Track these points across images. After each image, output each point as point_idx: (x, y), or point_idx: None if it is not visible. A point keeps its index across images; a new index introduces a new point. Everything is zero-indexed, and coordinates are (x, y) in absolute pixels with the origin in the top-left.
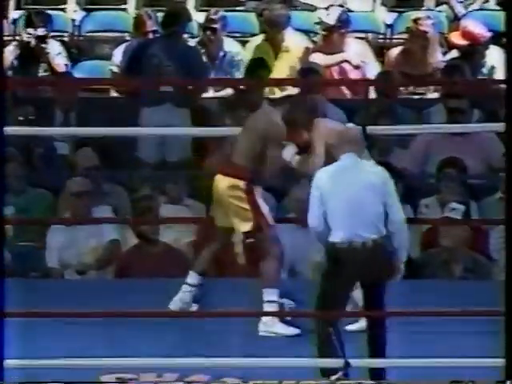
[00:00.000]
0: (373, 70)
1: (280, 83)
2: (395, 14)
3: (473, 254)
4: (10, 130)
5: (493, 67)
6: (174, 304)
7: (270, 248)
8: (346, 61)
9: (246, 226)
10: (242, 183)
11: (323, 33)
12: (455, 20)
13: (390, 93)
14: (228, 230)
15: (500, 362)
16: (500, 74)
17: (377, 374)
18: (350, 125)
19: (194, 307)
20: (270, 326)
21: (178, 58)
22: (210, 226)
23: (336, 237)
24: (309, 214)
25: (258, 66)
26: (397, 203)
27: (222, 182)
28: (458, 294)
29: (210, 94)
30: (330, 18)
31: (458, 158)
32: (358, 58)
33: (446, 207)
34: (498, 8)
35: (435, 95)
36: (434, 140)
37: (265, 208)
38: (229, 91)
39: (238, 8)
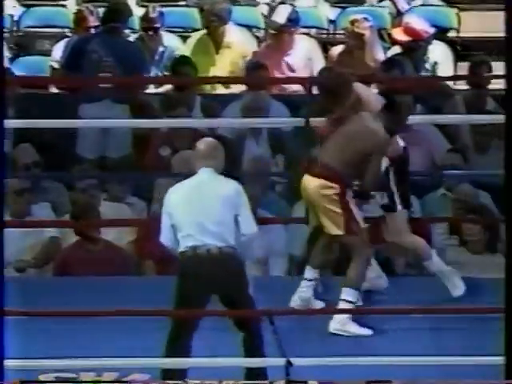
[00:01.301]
0: (319, 66)
1: (221, 80)
2: (338, 10)
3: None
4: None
5: (436, 63)
6: (294, 302)
7: (359, 252)
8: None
9: (337, 230)
10: (335, 186)
11: (272, 31)
12: (398, 15)
13: None
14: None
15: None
16: (443, 69)
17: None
18: (208, 139)
19: (319, 304)
20: (343, 325)
21: (118, 54)
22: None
23: (182, 247)
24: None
25: (183, 64)
26: (249, 215)
27: (312, 183)
28: (402, 290)
29: (151, 89)
30: (280, 17)
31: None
32: (306, 55)
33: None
34: (440, 3)
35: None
36: None
37: (357, 213)
38: (168, 87)
39: (179, 3)
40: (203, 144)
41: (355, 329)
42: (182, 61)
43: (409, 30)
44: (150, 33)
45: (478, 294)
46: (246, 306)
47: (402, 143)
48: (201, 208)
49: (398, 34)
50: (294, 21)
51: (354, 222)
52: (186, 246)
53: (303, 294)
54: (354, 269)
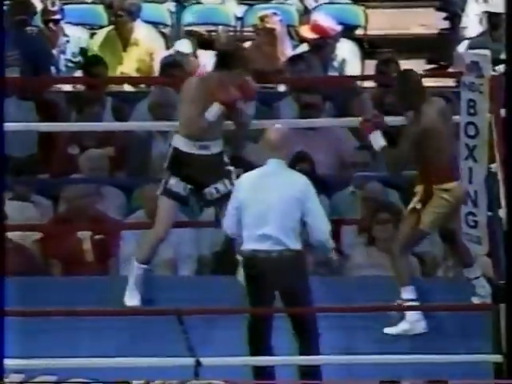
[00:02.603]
0: None
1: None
2: (246, 7)
3: None
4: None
5: (343, 60)
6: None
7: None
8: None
9: None
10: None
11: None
12: (306, 13)
13: None
14: None
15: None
16: (351, 67)
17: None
18: (277, 127)
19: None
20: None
21: (24, 47)
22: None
23: (245, 246)
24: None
25: (96, 64)
26: (320, 217)
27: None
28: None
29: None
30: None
31: (307, 152)
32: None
33: None
34: (348, 1)
35: (283, 89)
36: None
37: None
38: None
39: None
40: (273, 133)
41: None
42: (95, 60)
43: (316, 28)
44: (51, 25)
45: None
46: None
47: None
48: (265, 206)
49: (306, 32)
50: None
51: None
52: (248, 248)
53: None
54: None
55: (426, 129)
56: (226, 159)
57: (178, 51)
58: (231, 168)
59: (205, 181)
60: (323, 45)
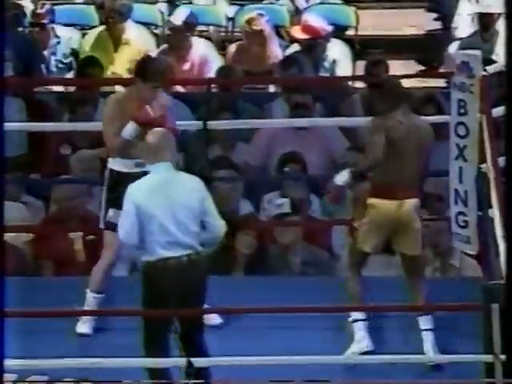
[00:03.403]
0: (216, 65)
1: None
2: (237, 7)
3: (312, 248)
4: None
5: (334, 61)
6: None
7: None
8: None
9: (418, 250)
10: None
11: (169, 32)
12: (297, 13)
13: (230, 87)
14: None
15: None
16: (342, 68)
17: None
18: (157, 129)
19: None
20: None
21: (14, 46)
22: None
23: (151, 254)
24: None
25: (92, 65)
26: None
27: (406, 205)
28: (299, 290)
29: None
30: (177, 19)
31: (298, 152)
32: (202, 55)
33: (270, 204)
34: (338, 2)
35: (274, 89)
36: (276, 134)
37: None
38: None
39: (76, 0)
40: (153, 136)
41: None
42: (91, 61)
43: (307, 28)
44: (39, 28)
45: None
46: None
47: None
48: (169, 211)
49: (297, 32)
50: (190, 24)
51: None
52: (156, 255)
53: None
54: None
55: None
56: None
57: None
58: None
59: None
60: (314, 45)
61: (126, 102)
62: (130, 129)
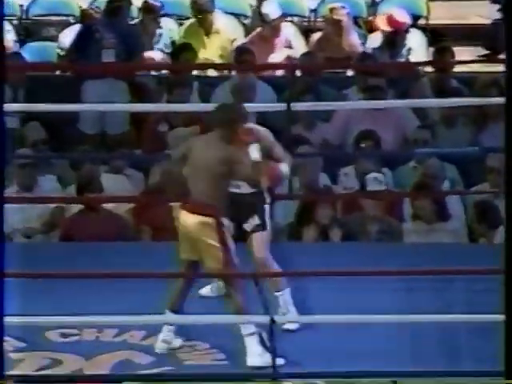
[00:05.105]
0: (300, 51)
1: (214, 66)
2: (318, 0)
3: (387, 217)
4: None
5: (410, 49)
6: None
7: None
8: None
9: (215, 263)
10: (211, 220)
11: (258, 22)
12: (373, 4)
13: (312, 72)
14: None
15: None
16: (418, 55)
17: None
18: None
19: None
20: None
21: (119, 32)
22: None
23: None
24: None
25: (184, 50)
26: None
27: (190, 219)
28: (375, 255)
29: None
30: (266, 10)
31: (374, 130)
32: (288, 41)
33: (367, 178)
34: None
35: (351, 74)
36: (353, 114)
37: (232, 244)
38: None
39: None
40: None
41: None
42: (185, 48)
43: (391, 21)
44: (150, 16)
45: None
46: None
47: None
48: None
49: (382, 24)
50: (277, 14)
51: (228, 255)
52: None
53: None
54: (234, 301)
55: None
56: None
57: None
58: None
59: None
60: (396, 37)
61: None
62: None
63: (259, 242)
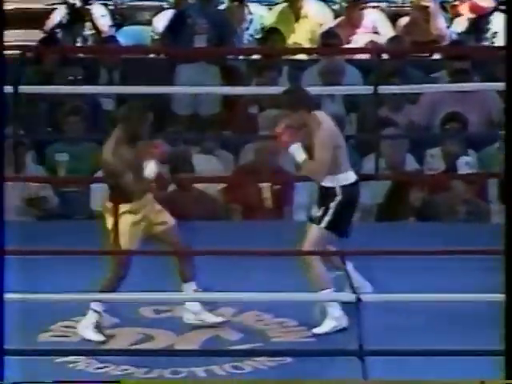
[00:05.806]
0: (387, 34)
1: (301, 50)
2: None
3: (475, 199)
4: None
5: (495, 32)
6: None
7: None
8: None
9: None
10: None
11: (345, 5)
12: None
13: (399, 55)
14: None
15: (499, 296)
16: (501, 39)
17: None
18: None
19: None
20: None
21: (211, 18)
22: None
23: None
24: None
25: (273, 34)
26: None
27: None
28: (462, 236)
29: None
30: None
31: (460, 112)
32: (374, 24)
33: (458, 162)
34: None
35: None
36: (440, 96)
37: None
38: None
39: None
40: None
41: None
42: (274, 32)
43: (475, 7)
44: (237, 3)
45: None
46: None
47: None
48: None
49: (465, 11)
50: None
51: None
52: None
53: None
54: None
55: None
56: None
57: None
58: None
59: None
60: (480, 22)
61: None
62: None
63: (310, 235)
